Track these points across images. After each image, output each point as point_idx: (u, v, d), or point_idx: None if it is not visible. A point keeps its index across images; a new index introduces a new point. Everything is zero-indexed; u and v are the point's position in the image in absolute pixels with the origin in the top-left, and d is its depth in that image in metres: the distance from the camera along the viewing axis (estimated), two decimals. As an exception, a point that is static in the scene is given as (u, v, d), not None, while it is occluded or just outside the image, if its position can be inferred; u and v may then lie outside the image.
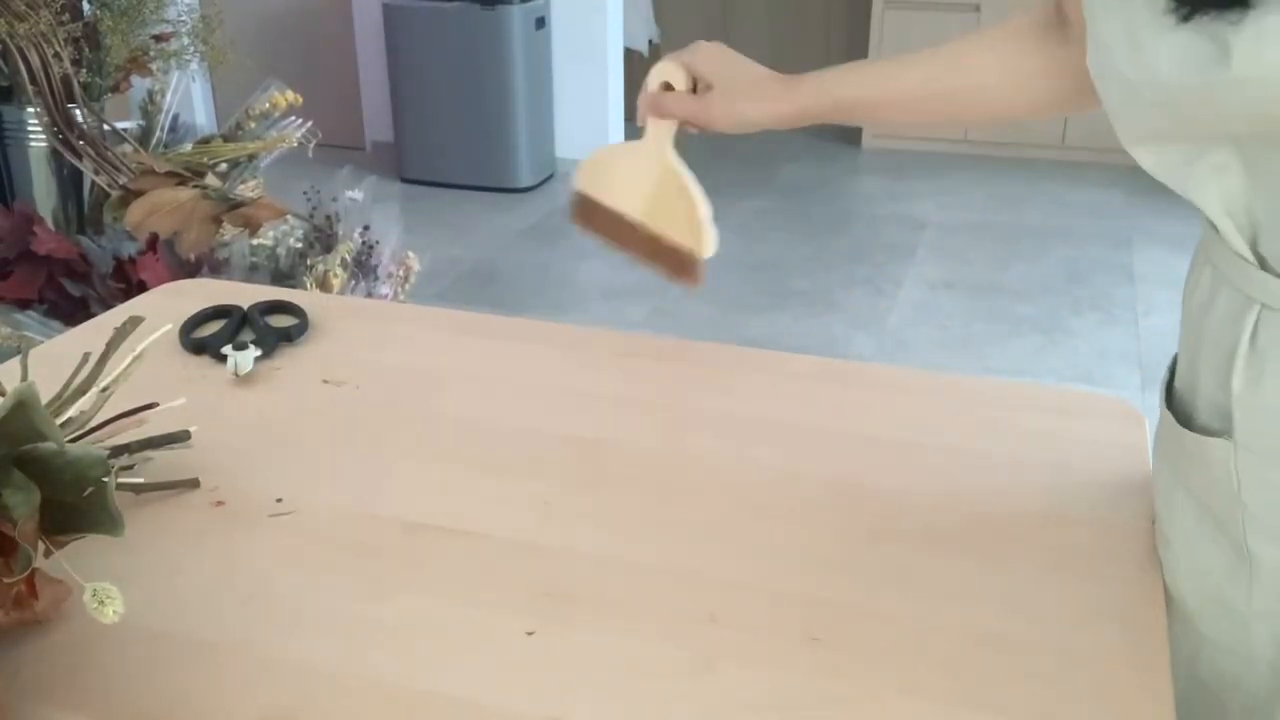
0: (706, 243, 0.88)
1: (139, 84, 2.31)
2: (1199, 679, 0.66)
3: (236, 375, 0.93)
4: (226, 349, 0.95)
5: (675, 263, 0.90)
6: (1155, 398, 0.69)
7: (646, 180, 0.90)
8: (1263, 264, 0.57)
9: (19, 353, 0.78)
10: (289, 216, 2.12)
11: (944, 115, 0.84)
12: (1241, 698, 0.64)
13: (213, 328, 1.02)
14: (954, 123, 0.85)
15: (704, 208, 0.88)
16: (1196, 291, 0.63)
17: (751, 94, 0.85)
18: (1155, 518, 0.70)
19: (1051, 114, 0.81)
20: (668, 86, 0.88)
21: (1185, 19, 0.50)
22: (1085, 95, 0.75)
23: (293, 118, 2.36)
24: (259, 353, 0.95)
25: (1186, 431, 0.62)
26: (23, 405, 0.54)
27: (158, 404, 0.78)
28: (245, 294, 1.09)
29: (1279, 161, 0.54)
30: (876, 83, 0.83)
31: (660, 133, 0.89)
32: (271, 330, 1.00)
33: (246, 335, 1.00)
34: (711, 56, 0.87)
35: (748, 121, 0.85)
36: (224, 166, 2.20)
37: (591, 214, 0.94)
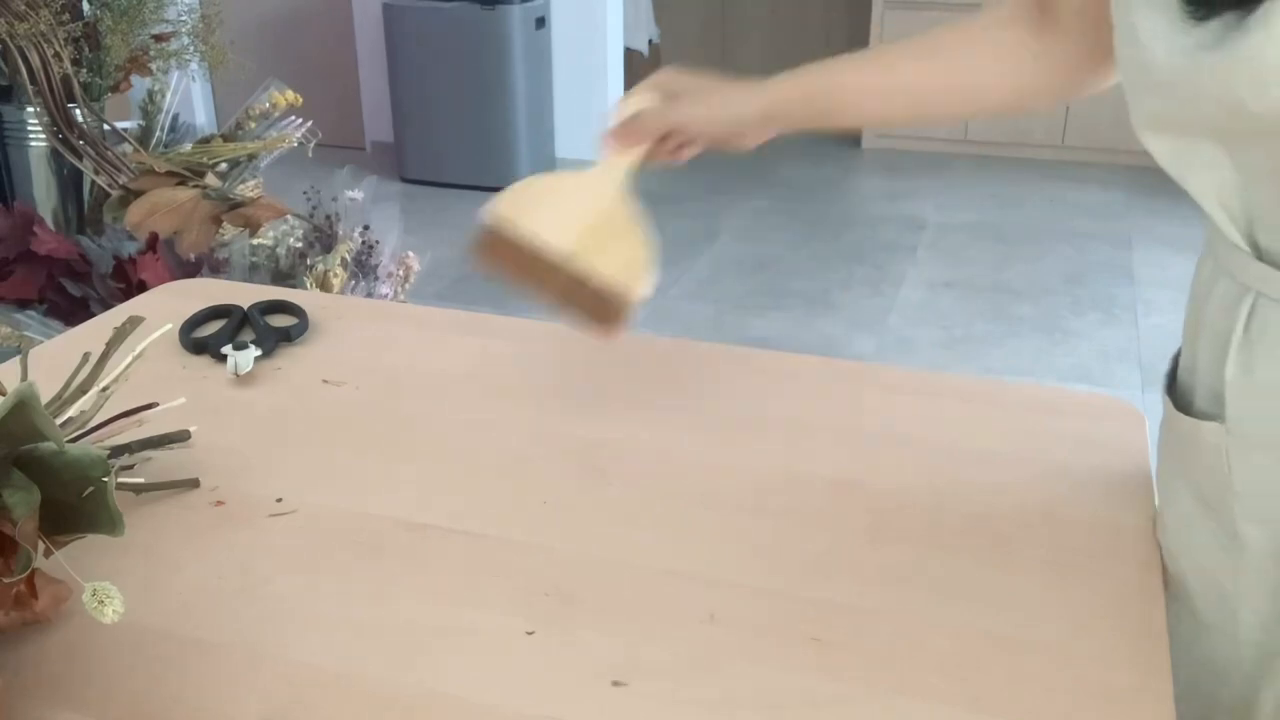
0: (643, 285, 0.80)
1: (139, 84, 2.31)
2: (1196, 661, 0.67)
3: (236, 375, 0.93)
4: (226, 349, 0.95)
5: (598, 307, 0.80)
6: (1155, 398, 0.70)
7: (584, 213, 0.82)
8: (1258, 253, 0.58)
9: (19, 353, 0.78)
10: (289, 216, 2.12)
11: (925, 109, 0.81)
12: (1232, 678, 0.65)
13: (212, 328, 1.02)
14: (935, 118, 0.82)
15: (650, 247, 0.80)
16: (1199, 281, 0.65)
17: (723, 90, 0.82)
18: (1157, 503, 0.71)
19: (1035, 105, 0.79)
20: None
21: (1202, 19, 0.52)
22: (1069, 84, 0.75)
23: (293, 118, 2.36)
24: (259, 352, 0.95)
25: (1183, 416, 0.64)
26: (23, 405, 0.54)
27: (158, 404, 0.78)
28: (245, 294, 1.09)
29: (1260, 155, 0.55)
30: (850, 72, 0.81)
31: (616, 164, 0.82)
32: (271, 330, 1.00)
33: (246, 335, 1.00)
34: (676, 74, 0.85)
35: (722, 117, 0.82)
36: (224, 166, 2.20)
37: (501, 249, 0.83)
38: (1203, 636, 0.66)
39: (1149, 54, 0.55)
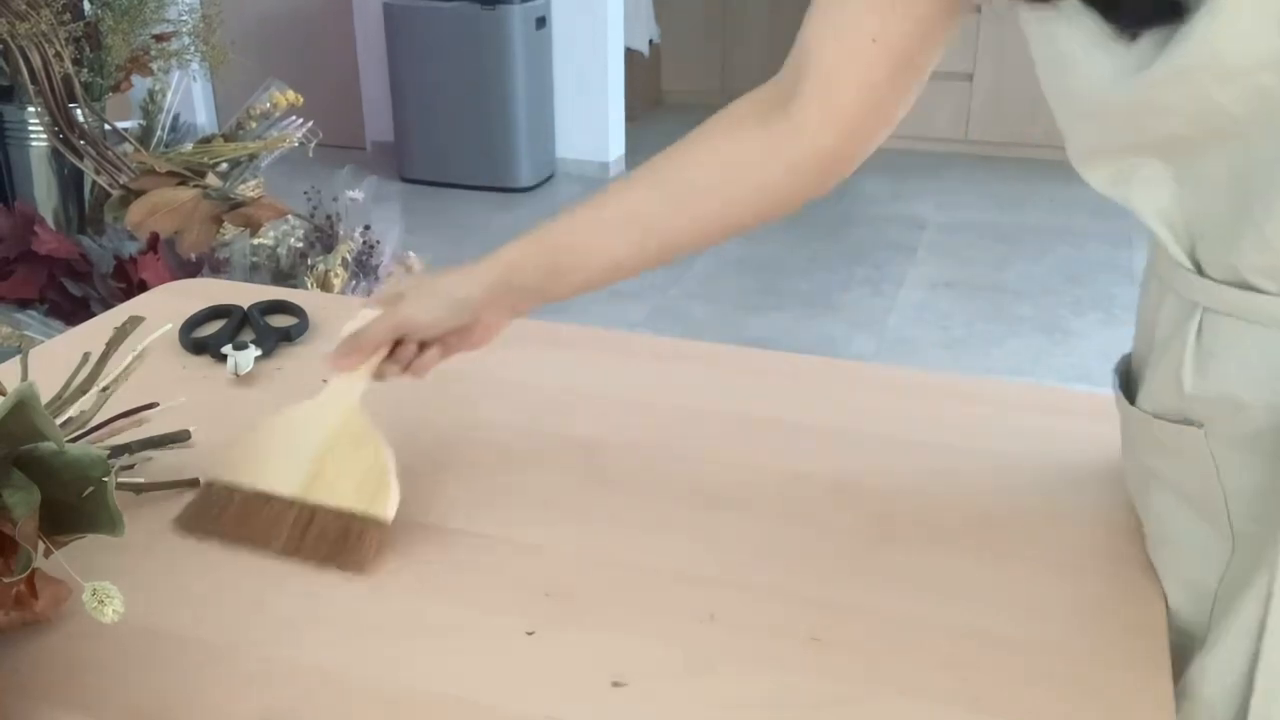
0: (384, 507, 0.70)
1: (139, 84, 2.31)
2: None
3: (236, 375, 0.93)
4: (226, 349, 0.95)
5: (340, 541, 0.70)
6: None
7: (312, 447, 0.73)
8: (1200, 270, 0.59)
9: (19, 353, 0.78)
10: (290, 216, 2.12)
11: (672, 243, 0.74)
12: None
13: (212, 328, 1.02)
14: (687, 248, 0.74)
15: (389, 467, 0.72)
16: (1146, 299, 0.67)
17: (444, 278, 0.75)
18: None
19: (794, 206, 0.76)
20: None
21: (1133, 38, 0.52)
22: (828, 174, 0.74)
23: (293, 118, 2.36)
24: (259, 352, 0.95)
25: (1162, 422, 0.63)
26: (23, 405, 0.54)
27: (158, 404, 0.78)
28: (245, 294, 1.09)
29: (1202, 168, 0.56)
30: (582, 216, 0.74)
31: (344, 388, 0.75)
32: (271, 330, 1.00)
33: (246, 335, 1.00)
34: (406, 280, 0.80)
35: (446, 304, 0.74)
36: (224, 166, 2.20)
37: (221, 510, 0.72)
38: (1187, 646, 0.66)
39: (1085, 83, 0.56)
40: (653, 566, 0.69)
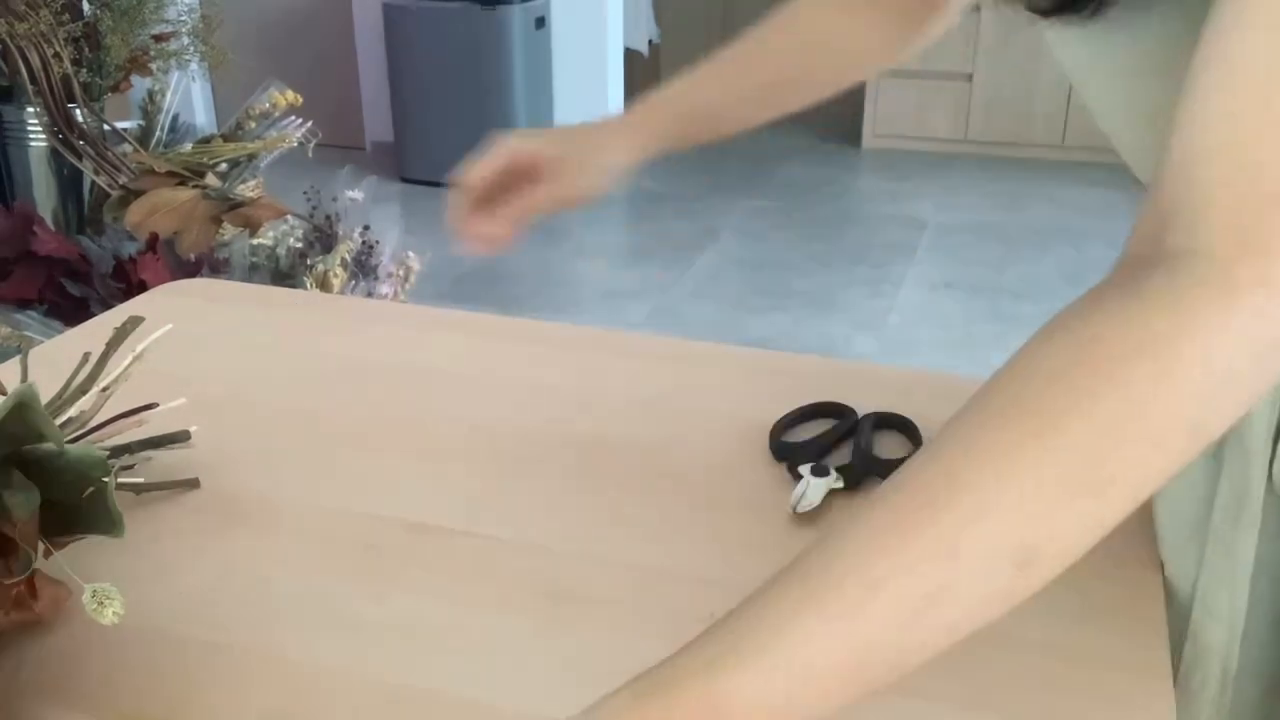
0: None
1: (139, 84, 2.31)
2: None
3: (794, 510, 0.73)
4: (805, 469, 0.76)
5: None
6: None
7: None
8: None
9: (19, 353, 0.78)
10: (289, 216, 2.12)
11: (805, 97, 0.80)
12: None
13: (812, 429, 0.83)
14: (811, 99, 0.80)
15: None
16: None
17: (595, 142, 0.79)
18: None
19: (916, 47, 0.79)
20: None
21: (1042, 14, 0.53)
22: (936, 9, 0.77)
23: (293, 118, 2.36)
24: (840, 483, 0.75)
25: None
26: (23, 406, 0.54)
27: (158, 404, 0.78)
28: (270, 298, 1.08)
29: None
30: (713, 77, 0.79)
31: None
32: (875, 461, 0.78)
33: (841, 457, 0.79)
34: (532, 134, 0.81)
35: (612, 167, 0.78)
36: (224, 166, 2.20)
37: None
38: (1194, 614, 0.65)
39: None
40: (653, 566, 0.69)
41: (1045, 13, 0.52)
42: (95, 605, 0.54)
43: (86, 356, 0.74)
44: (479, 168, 0.80)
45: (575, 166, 0.79)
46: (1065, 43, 0.57)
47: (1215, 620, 0.63)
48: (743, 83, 0.79)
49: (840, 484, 0.75)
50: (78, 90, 2.07)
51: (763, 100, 0.79)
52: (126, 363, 0.74)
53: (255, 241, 2.14)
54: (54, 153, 2.15)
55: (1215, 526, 0.62)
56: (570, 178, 0.79)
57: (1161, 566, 0.68)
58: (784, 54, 0.79)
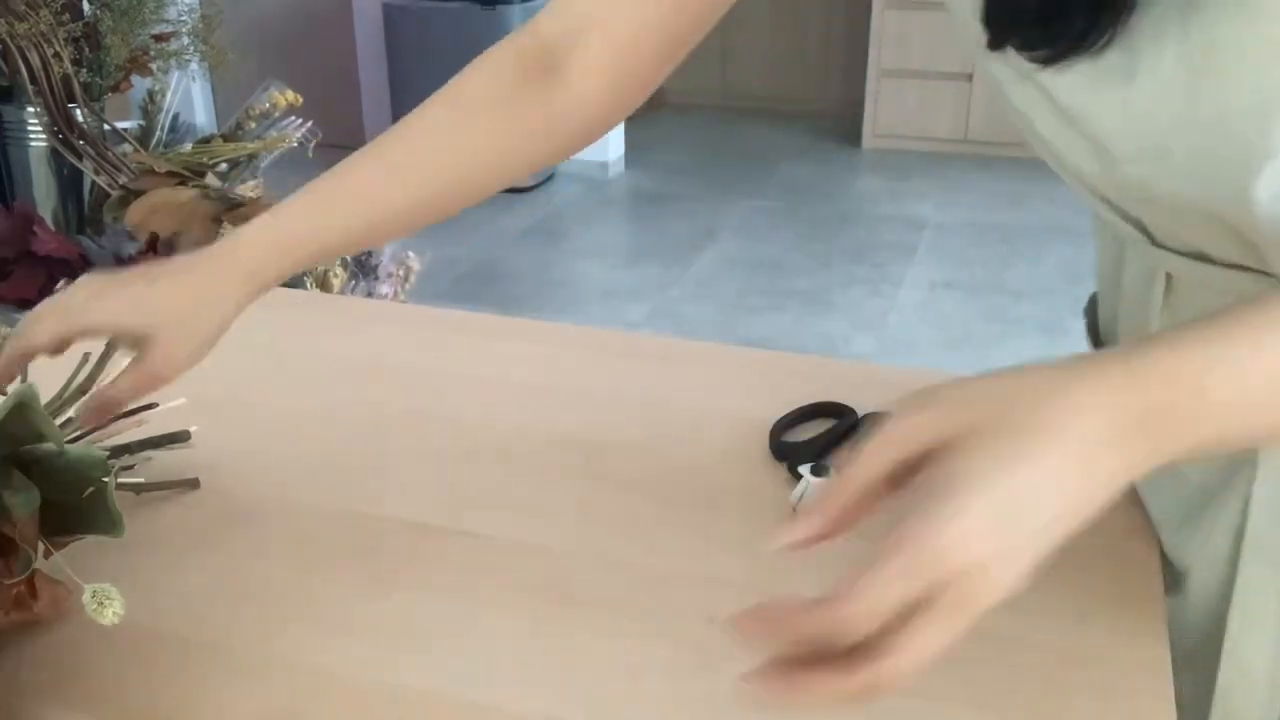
0: None
1: (139, 84, 2.31)
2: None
3: (793, 508, 0.75)
4: (805, 469, 0.76)
5: None
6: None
7: None
8: (1153, 241, 0.58)
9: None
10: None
11: (448, 212, 0.71)
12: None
13: (811, 429, 0.83)
14: (431, 219, 0.70)
15: None
16: (1105, 249, 0.66)
17: (187, 304, 0.64)
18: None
19: (550, 163, 0.72)
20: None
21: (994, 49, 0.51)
22: (590, 134, 0.69)
23: (292, 118, 2.36)
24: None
25: None
26: (23, 406, 0.54)
27: (158, 404, 0.78)
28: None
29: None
30: (324, 203, 0.69)
31: None
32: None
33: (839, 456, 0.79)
34: (99, 293, 0.66)
35: (215, 331, 0.65)
36: (224, 166, 2.20)
37: None
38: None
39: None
40: (653, 566, 0.69)
41: (1049, 59, 0.49)
42: (95, 605, 0.54)
43: (86, 357, 0.74)
44: (32, 340, 0.64)
45: (169, 339, 0.64)
46: (1071, 89, 0.52)
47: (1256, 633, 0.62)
48: (372, 211, 0.70)
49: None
50: (78, 90, 2.07)
51: (398, 223, 0.70)
52: (126, 364, 0.74)
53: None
54: (54, 153, 2.15)
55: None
56: (163, 353, 0.64)
57: (1162, 565, 0.68)
58: (409, 182, 0.70)
